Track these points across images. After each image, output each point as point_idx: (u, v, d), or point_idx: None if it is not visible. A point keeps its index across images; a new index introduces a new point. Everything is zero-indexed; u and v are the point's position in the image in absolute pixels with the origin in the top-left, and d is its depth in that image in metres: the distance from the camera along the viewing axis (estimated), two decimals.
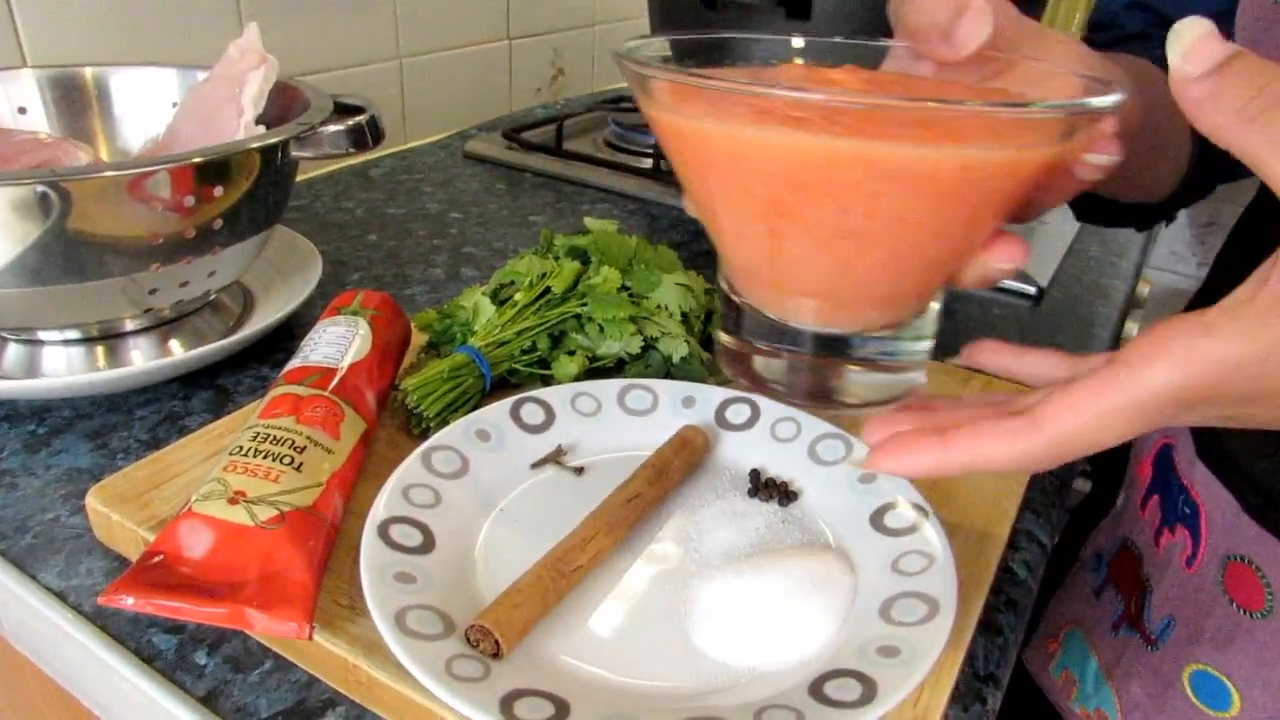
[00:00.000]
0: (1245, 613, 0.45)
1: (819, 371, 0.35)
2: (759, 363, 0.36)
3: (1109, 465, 0.61)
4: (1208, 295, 0.52)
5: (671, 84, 0.30)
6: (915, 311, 0.34)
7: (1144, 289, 1.20)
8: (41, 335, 0.58)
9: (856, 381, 0.35)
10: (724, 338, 0.38)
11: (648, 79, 0.31)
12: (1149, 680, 0.50)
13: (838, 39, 0.38)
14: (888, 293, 0.33)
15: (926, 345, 0.36)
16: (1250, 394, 0.26)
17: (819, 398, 0.36)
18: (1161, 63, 0.49)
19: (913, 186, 0.28)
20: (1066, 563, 0.62)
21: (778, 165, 0.29)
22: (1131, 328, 1.29)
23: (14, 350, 0.59)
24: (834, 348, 0.35)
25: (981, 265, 0.31)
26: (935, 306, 0.35)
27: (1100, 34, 0.58)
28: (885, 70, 0.37)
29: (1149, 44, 0.54)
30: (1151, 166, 0.47)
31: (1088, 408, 0.26)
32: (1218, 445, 0.47)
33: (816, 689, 0.35)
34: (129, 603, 0.36)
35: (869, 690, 0.35)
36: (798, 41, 0.38)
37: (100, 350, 0.59)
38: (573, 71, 1.40)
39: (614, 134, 1.14)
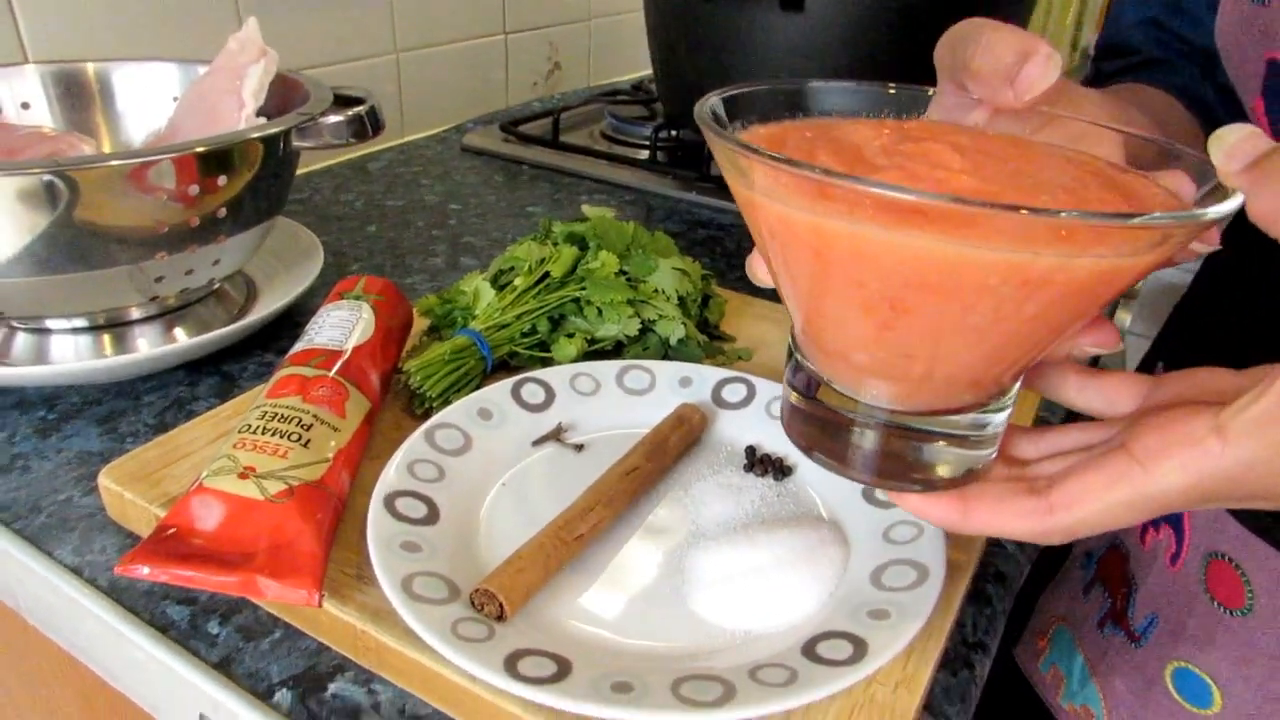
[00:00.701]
0: (1226, 611, 0.46)
1: (895, 447, 0.34)
2: (828, 432, 0.35)
3: None
4: (1200, 291, 0.53)
5: (782, 172, 0.27)
6: (1003, 391, 0.34)
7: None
8: (49, 324, 0.60)
9: (936, 458, 0.34)
10: (794, 398, 0.36)
11: (749, 162, 0.28)
12: (1132, 677, 0.51)
13: (891, 87, 0.37)
14: (985, 377, 0.32)
15: (1007, 415, 0.34)
16: (1257, 492, 0.27)
17: (894, 476, 0.34)
18: (1175, 90, 0.50)
19: (1048, 290, 0.27)
20: (1058, 560, 0.62)
21: (904, 267, 0.27)
22: (1125, 317, 1.31)
23: (23, 339, 0.60)
24: (913, 425, 0.33)
25: (1071, 345, 0.32)
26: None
27: (1112, 61, 0.58)
28: (933, 116, 0.37)
29: (1162, 70, 0.54)
30: None
31: (1098, 499, 0.28)
32: None
33: (809, 649, 0.36)
34: (144, 572, 0.37)
35: (860, 650, 0.36)
36: (845, 85, 0.37)
37: (107, 338, 0.60)
38: (569, 65, 1.41)
39: (610, 126, 1.15)
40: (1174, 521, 0.49)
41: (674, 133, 1.04)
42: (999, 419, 0.34)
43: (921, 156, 0.30)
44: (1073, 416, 0.36)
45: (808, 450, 0.35)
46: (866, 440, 0.34)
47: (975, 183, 0.28)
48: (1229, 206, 0.26)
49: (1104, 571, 0.55)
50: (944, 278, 0.27)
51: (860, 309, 0.30)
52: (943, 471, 0.34)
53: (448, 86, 1.18)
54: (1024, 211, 0.24)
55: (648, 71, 1.06)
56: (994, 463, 0.35)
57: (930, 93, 0.36)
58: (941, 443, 0.33)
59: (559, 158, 1.04)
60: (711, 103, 0.32)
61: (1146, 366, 0.60)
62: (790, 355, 0.36)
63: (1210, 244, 0.29)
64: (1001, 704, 0.63)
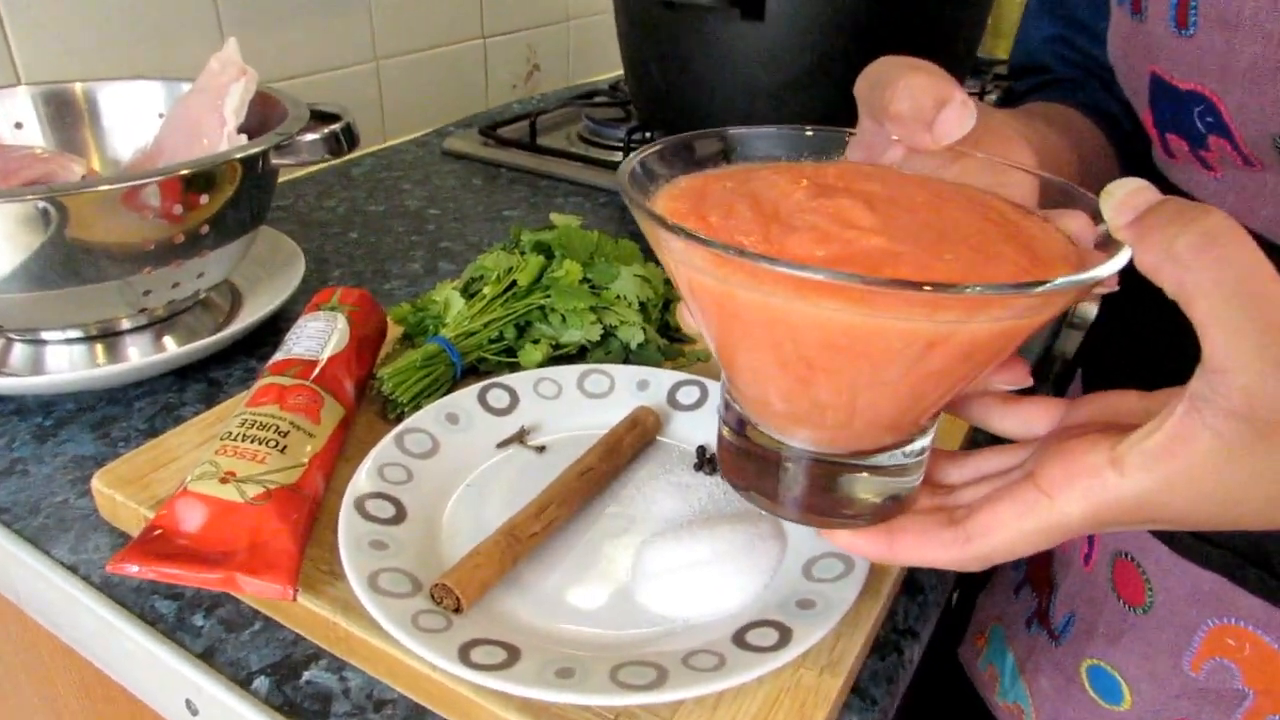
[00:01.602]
0: (1130, 609, 0.48)
1: (822, 484, 0.36)
2: (759, 471, 0.37)
3: None
4: (1115, 302, 0.54)
5: (695, 246, 0.28)
6: (922, 430, 0.36)
7: None
8: (45, 335, 0.63)
9: (862, 491, 0.36)
10: (726, 432, 0.39)
11: (663, 235, 0.29)
12: (1054, 675, 0.53)
13: (809, 130, 0.39)
14: (902, 422, 0.34)
15: (928, 442, 0.36)
16: (1154, 517, 0.29)
17: (824, 513, 0.36)
18: (1083, 106, 0.52)
19: (952, 348, 0.29)
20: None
21: (814, 331, 0.29)
22: (1090, 307, 1.34)
23: (20, 349, 0.64)
24: (838, 460, 0.35)
25: (985, 383, 0.35)
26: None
27: (1024, 80, 0.60)
28: (851, 158, 0.39)
29: (1069, 87, 0.56)
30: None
31: (1009, 529, 0.31)
32: None
33: (739, 637, 0.40)
34: (133, 570, 0.41)
35: (784, 637, 0.39)
36: (765, 131, 0.39)
37: (100, 348, 0.64)
38: (548, 66, 1.44)
39: (587, 129, 1.18)
40: None
41: (648, 134, 1.07)
42: (919, 446, 0.36)
43: (834, 215, 0.31)
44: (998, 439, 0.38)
45: (744, 489, 0.37)
46: (795, 480, 0.36)
47: (884, 242, 0.30)
48: (1118, 264, 0.28)
49: (1032, 572, 0.57)
50: (853, 341, 0.29)
51: (776, 366, 0.32)
52: (869, 500, 0.36)
53: (428, 91, 1.21)
54: (926, 288, 0.26)
55: None
56: (919, 489, 0.37)
57: (847, 136, 0.39)
58: (865, 474, 0.35)
59: (536, 161, 1.07)
60: (632, 167, 0.34)
61: (1065, 379, 0.62)
62: (723, 389, 0.38)
63: (1110, 288, 0.30)
64: (949, 702, 0.66)
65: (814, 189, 0.34)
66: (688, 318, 0.36)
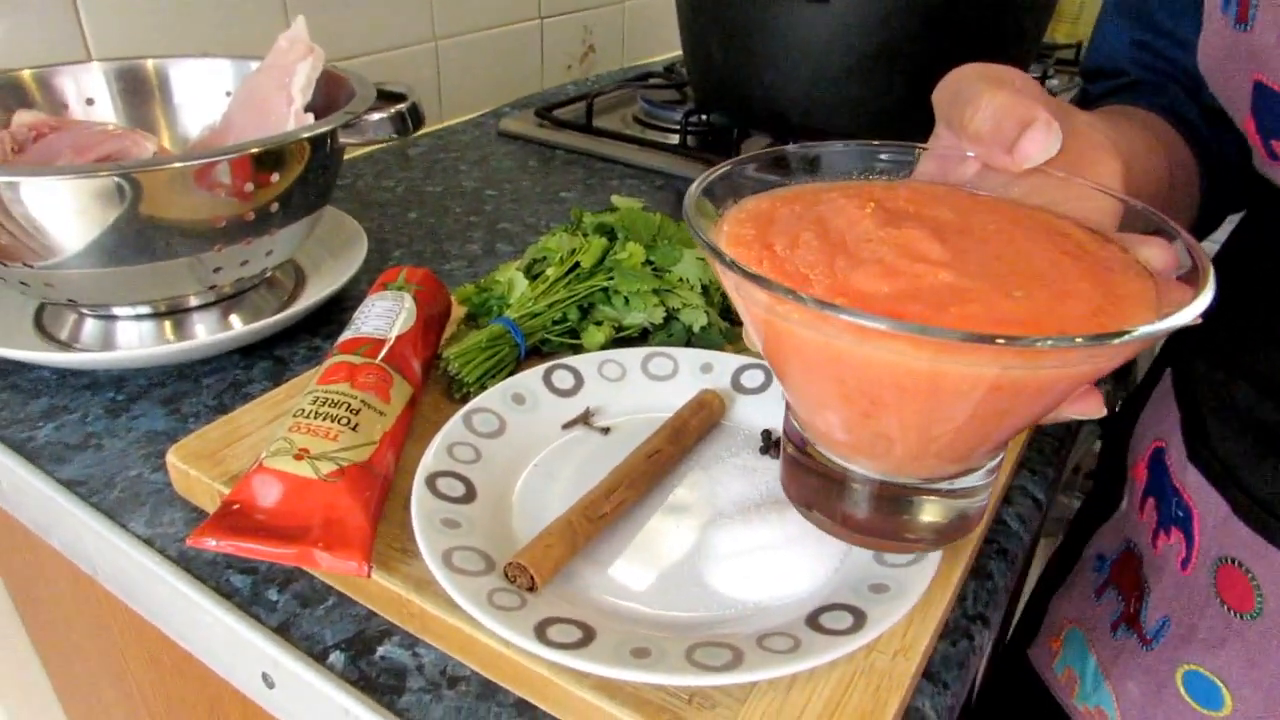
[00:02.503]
0: (1236, 614, 0.46)
1: (886, 508, 0.35)
2: (822, 492, 0.37)
3: (1110, 467, 0.62)
4: (1232, 256, 0.53)
5: (752, 284, 0.28)
6: (992, 456, 0.35)
7: None
8: (115, 311, 0.64)
9: (927, 515, 0.35)
10: (790, 449, 0.38)
11: (720, 269, 0.29)
12: (1144, 680, 0.52)
13: (888, 146, 0.38)
14: (969, 456, 0.34)
15: (998, 463, 0.36)
16: None
17: (888, 536, 0.36)
18: (1162, 110, 0.51)
19: (1021, 392, 0.28)
20: (1070, 563, 0.63)
21: (878, 372, 0.28)
22: None
23: (91, 324, 0.65)
24: (907, 485, 0.35)
25: (1060, 414, 0.33)
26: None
27: (1099, 83, 0.59)
28: (925, 170, 0.38)
29: (1148, 91, 0.54)
30: (1172, 210, 0.49)
31: None
32: (1208, 449, 0.48)
33: (813, 619, 0.40)
34: (212, 544, 0.41)
35: (859, 620, 0.39)
36: (836, 147, 0.38)
37: (168, 324, 0.65)
38: (603, 48, 1.44)
39: (643, 110, 1.17)
40: (1184, 527, 0.50)
41: (704, 117, 1.06)
42: (991, 466, 0.35)
43: (902, 247, 0.31)
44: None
45: (806, 509, 0.37)
46: (859, 503, 0.35)
47: (952, 277, 0.29)
48: (1199, 307, 0.27)
49: (1117, 575, 0.56)
50: (917, 383, 0.28)
51: (840, 399, 0.31)
52: (937, 523, 0.35)
53: (484, 72, 1.21)
54: (999, 341, 0.25)
55: (681, 52, 1.08)
56: (984, 509, 0.36)
57: (917, 152, 0.38)
58: (935, 498, 0.35)
59: (592, 142, 1.07)
60: (695, 195, 0.33)
61: (1157, 369, 0.60)
62: (786, 406, 0.38)
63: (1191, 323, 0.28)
64: (1019, 705, 0.65)
65: (882, 216, 0.33)
66: (752, 339, 0.36)
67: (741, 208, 0.35)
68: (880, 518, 0.36)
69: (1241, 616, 0.46)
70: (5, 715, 0.86)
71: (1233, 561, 0.46)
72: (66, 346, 0.64)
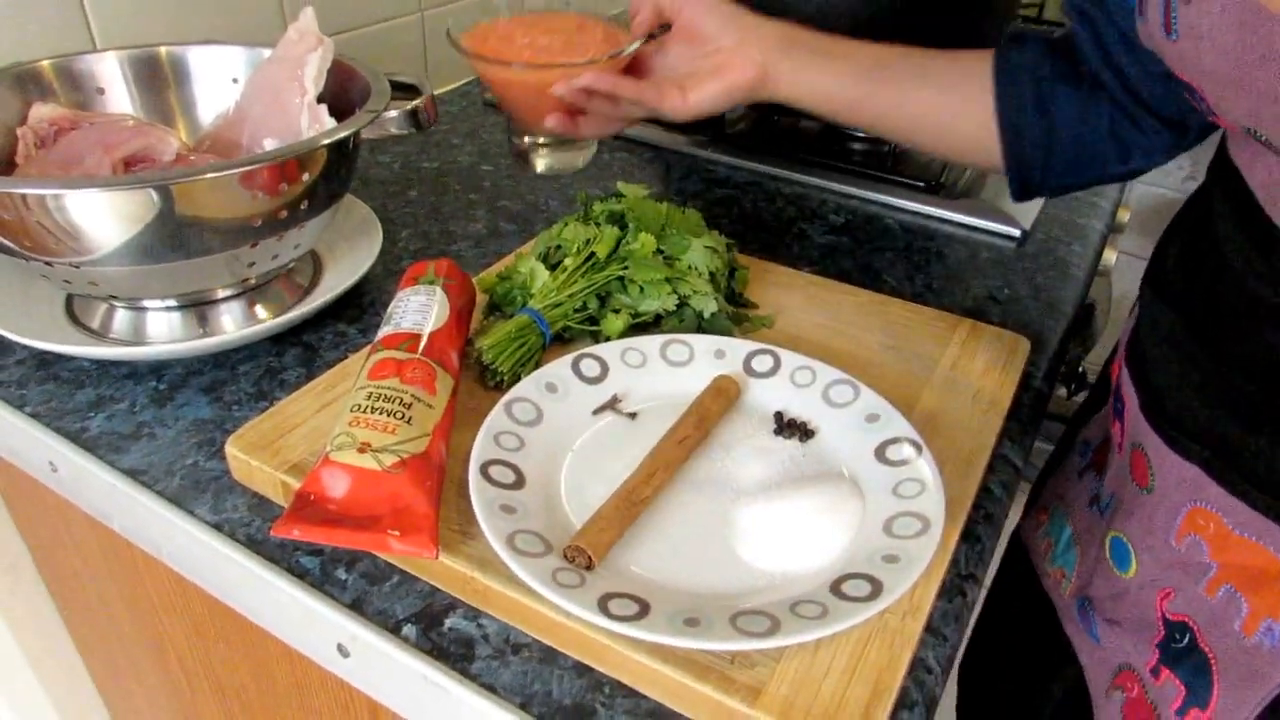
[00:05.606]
0: (1139, 489, 0.54)
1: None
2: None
3: (1105, 370, 0.70)
4: (1199, 205, 0.56)
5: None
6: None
7: (1124, 215, 1.29)
8: (145, 303, 0.67)
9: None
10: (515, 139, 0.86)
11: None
12: (1094, 546, 0.60)
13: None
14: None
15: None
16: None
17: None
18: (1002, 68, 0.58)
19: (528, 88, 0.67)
20: (1065, 450, 0.71)
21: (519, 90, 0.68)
22: (1110, 255, 1.38)
23: (122, 315, 0.68)
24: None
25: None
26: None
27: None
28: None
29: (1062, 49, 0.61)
30: (912, 142, 0.67)
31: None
32: (1138, 355, 0.57)
33: (836, 588, 0.45)
34: (296, 534, 0.46)
35: (876, 588, 0.45)
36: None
37: (196, 315, 0.68)
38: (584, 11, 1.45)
39: None
40: (1120, 417, 0.58)
41: None
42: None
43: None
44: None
45: (520, 160, 0.75)
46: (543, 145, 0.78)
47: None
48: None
49: (1096, 460, 0.64)
50: (525, 81, 0.67)
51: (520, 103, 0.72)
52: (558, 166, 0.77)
53: None
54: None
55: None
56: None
57: None
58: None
59: None
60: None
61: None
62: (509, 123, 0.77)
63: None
64: (1002, 577, 0.75)
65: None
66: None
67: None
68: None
69: (1142, 491, 0.54)
70: (39, 685, 0.89)
71: (1139, 446, 0.54)
72: (99, 336, 0.67)
